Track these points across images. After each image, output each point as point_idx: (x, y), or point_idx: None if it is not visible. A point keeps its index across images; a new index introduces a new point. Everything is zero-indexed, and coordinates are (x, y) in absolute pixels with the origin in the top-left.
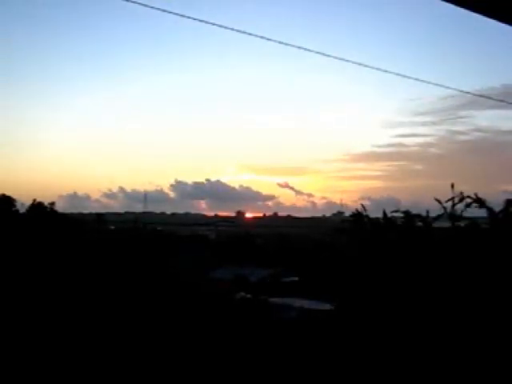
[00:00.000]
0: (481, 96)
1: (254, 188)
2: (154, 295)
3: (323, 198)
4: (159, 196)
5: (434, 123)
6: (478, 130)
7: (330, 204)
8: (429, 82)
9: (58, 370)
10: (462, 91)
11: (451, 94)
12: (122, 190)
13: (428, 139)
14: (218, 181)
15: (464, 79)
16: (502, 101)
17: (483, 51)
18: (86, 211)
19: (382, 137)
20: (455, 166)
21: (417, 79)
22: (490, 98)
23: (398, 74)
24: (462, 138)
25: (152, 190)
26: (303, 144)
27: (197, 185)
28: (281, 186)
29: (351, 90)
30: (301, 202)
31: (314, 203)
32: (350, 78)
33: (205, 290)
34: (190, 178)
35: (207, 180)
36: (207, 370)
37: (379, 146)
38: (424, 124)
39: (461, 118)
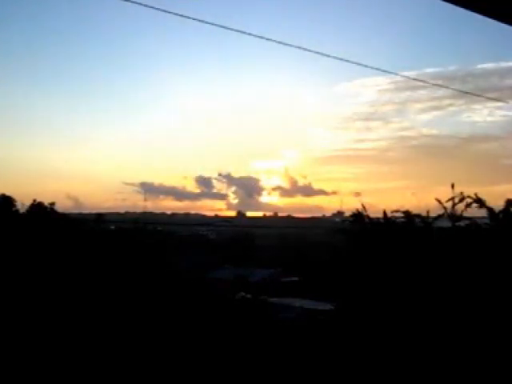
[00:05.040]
0: (478, 95)
1: (254, 188)
2: (154, 295)
3: (324, 198)
4: (159, 196)
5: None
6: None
7: (330, 204)
8: (426, 82)
9: (57, 370)
10: (460, 91)
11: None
12: (122, 190)
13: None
14: (217, 180)
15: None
16: (497, 100)
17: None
18: (86, 211)
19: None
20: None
21: (415, 79)
22: (485, 96)
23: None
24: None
25: (152, 189)
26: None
27: (197, 185)
28: (281, 185)
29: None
30: (301, 201)
31: (314, 203)
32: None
33: (205, 290)
34: (189, 178)
35: (207, 179)
36: (207, 369)
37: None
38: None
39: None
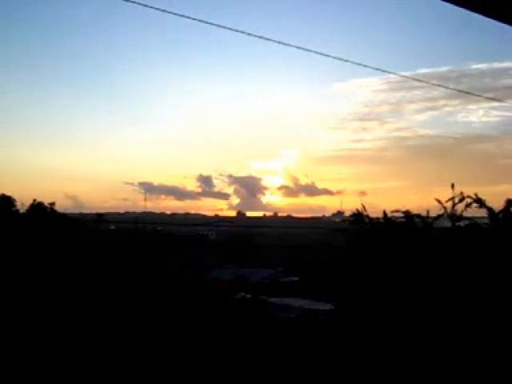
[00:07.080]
0: (477, 95)
1: (255, 187)
2: (153, 295)
3: (323, 198)
4: (159, 195)
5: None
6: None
7: (329, 204)
8: (426, 82)
9: (55, 371)
10: (460, 91)
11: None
12: (122, 190)
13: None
14: (218, 180)
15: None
16: (495, 99)
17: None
18: (86, 211)
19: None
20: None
21: (414, 78)
22: (484, 96)
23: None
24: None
25: (152, 189)
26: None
27: (197, 184)
28: (282, 185)
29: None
30: (301, 201)
31: (317, 203)
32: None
33: (204, 289)
34: (189, 178)
35: (208, 179)
36: (207, 370)
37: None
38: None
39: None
